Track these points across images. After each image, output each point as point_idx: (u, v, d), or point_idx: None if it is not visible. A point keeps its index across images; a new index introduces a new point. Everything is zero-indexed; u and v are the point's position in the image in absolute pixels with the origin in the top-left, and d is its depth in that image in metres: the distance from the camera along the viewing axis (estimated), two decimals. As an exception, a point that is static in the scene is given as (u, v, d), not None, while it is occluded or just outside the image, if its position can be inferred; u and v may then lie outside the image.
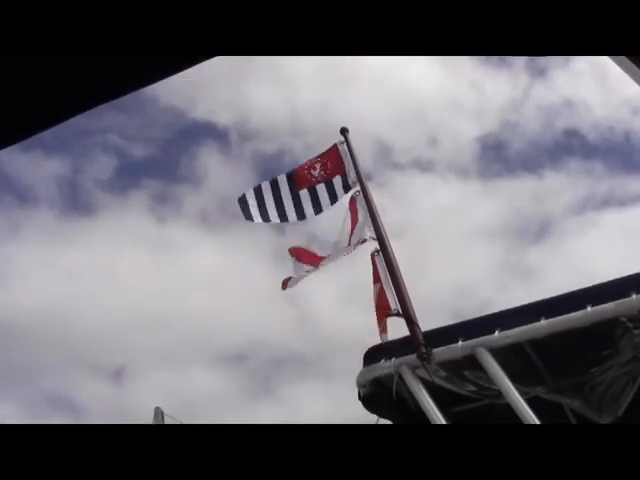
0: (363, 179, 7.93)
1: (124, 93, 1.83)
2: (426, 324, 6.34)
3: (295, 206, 8.19)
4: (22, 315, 27.09)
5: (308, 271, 7.67)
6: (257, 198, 8.28)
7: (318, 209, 8.16)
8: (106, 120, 26.48)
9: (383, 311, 6.79)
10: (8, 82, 1.73)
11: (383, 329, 6.85)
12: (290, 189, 8.28)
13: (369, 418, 6.52)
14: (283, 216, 8.21)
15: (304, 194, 8.22)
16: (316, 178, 8.24)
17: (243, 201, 8.32)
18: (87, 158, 31.96)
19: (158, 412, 11.83)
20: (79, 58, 1.68)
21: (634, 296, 5.33)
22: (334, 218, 8.12)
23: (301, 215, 8.19)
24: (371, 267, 7.20)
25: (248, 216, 8.28)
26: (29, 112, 1.83)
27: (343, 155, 8.23)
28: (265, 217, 8.25)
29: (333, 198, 8.13)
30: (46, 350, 28.87)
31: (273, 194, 8.28)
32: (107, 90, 1.81)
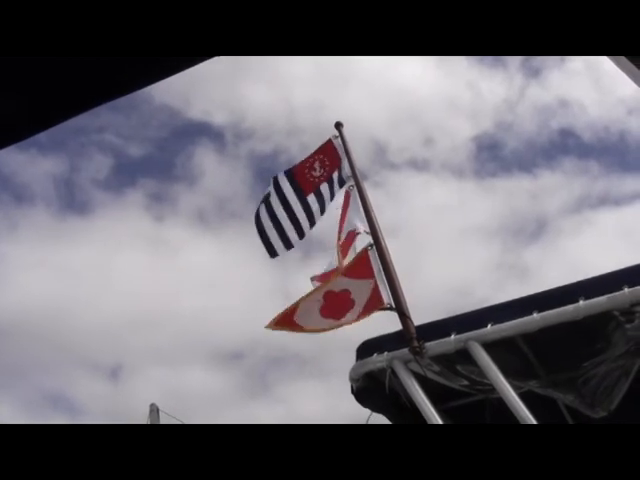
0: (357, 173, 7.94)
1: (123, 94, 1.82)
2: (422, 322, 6.34)
3: (307, 216, 8.11)
4: (18, 314, 27.05)
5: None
6: (271, 217, 8.15)
7: (323, 209, 8.12)
8: (102, 119, 26.49)
9: (373, 305, 6.75)
10: (7, 82, 1.72)
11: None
12: (299, 198, 8.17)
13: (364, 414, 6.54)
14: (300, 232, 8.10)
15: (312, 199, 8.15)
16: (318, 178, 8.19)
17: (258, 221, 8.17)
18: (83, 157, 31.99)
19: (153, 409, 11.85)
20: (78, 59, 1.67)
21: (626, 290, 5.34)
22: (330, 215, 8.09)
23: (312, 222, 8.12)
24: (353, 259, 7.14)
25: (270, 249, 8.11)
26: (28, 112, 1.82)
27: (338, 149, 8.23)
28: (287, 243, 8.09)
29: (332, 194, 8.11)
30: (43, 349, 28.90)
31: (285, 210, 8.16)
32: (106, 91, 1.81)
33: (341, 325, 6.64)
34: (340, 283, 6.85)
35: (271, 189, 8.29)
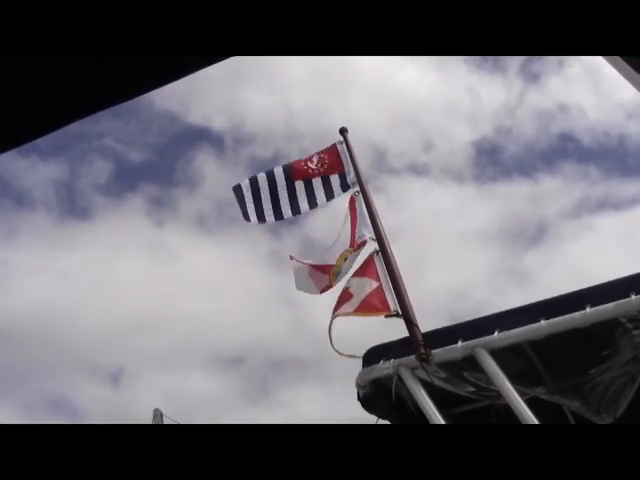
0: (362, 179, 7.94)
1: (128, 97, 1.82)
2: (422, 327, 6.35)
3: (290, 201, 8.08)
4: (20, 318, 27.12)
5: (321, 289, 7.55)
6: (252, 190, 8.18)
7: (313, 204, 8.09)
8: (103, 125, 26.65)
9: (377, 310, 6.76)
10: (7, 84, 1.73)
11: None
12: (286, 181, 8.18)
13: (367, 420, 6.52)
14: (278, 213, 8.07)
15: (299, 186, 8.12)
16: (313, 170, 8.18)
17: (239, 191, 8.22)
18: (84, 162, 32.14)
19: (157, 413, 11.83)
20: (79, 59, 1.68)
21: (633, 297, 5.32)
22: (331, 220, 8.11)
23: (296, 210, 8.10)
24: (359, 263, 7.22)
25: (245, 213, 8.13)
26: (32, 115, 1.82)
27: (342, 155, 8.24)
28: (261, 216, 8.09)
29: (329, 195, 8.09)
30: (44, 353, 28.95)
31: (269, 187, 8.18)
32: (109, 94, 1.81)
33: (337, 315, 6.72)
34: (345, 282, 7.00)
35: (263, 174, 8.33)
